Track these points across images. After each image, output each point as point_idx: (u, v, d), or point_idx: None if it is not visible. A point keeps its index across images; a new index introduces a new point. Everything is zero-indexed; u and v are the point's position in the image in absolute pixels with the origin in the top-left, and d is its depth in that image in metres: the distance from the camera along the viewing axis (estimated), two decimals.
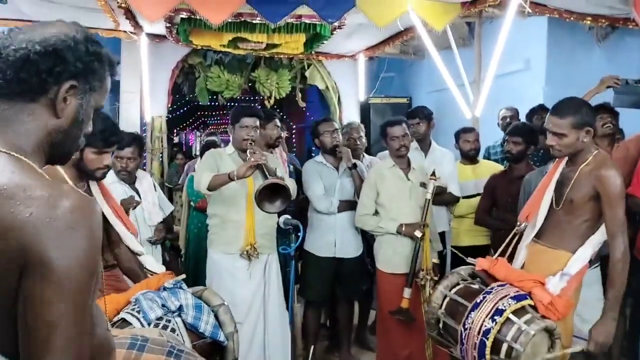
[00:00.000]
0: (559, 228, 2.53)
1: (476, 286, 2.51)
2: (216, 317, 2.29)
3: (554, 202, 2.58)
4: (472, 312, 2.30)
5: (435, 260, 3.48)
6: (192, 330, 2.20)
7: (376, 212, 3.53)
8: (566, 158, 2.62)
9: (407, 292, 3.30)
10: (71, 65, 1.04)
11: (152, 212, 3.61)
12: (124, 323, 2.10)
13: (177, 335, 2.10)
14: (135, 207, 3.28)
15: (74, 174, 2.35)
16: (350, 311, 4.02)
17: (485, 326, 2.24)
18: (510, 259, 2.67)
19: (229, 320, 2.31)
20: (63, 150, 1.12)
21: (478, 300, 2.33)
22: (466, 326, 2.31)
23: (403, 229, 3.37)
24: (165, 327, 2.08)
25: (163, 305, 2.15)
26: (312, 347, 3.55)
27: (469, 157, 4.26)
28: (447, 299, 2.50)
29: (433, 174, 3.40)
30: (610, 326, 2.32)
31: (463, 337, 2.32)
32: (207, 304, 2.31)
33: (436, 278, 3.44)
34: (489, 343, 2.21)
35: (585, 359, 3.08)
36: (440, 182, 3.48)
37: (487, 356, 2.22)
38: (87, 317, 0.95)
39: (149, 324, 2.06)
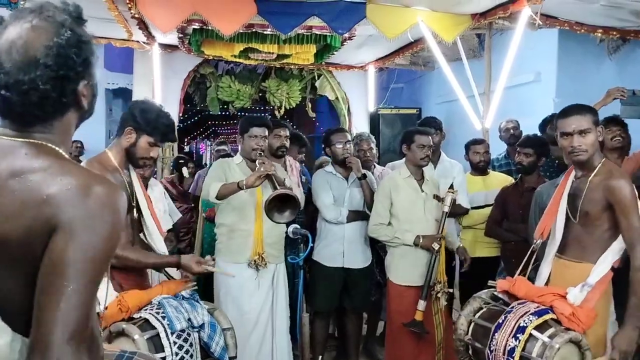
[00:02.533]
0: (580, 241, 2.50)
1: (498, 308, 2.50)
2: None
3: (569, 214, 2.55)
4: (496, 333, 2.30)
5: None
6: (204, 347, 2.24)
7: (389, 223, 3.52)
8: (574, 171, 2.61)
9: (421, 305, 3.28)
10: (73, 74, 1.08)
11: (163, 219, 3.64)
12: (146, 324, 2.13)
13: (193, 350, 2.14)
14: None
15: (121, 159, 2.41)
16: (359, 322, 4.01)
17: (510, 345, 2.23)
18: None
19: (233, 346, 2.39)
20: (84, 117, 1.21)
21: (500, 321, 2.32)
22: (492, 348, 2.30)
23: (421, 240, 3.36)
24: (185, 340, 2.14)
25: (189, 319, 2.20)
26: (320, 357, 3.55)
27: (479, 169, 4.25)
28: (472, 325, 2.49)
29: (451, 187, 3.42)
30: (633, 334, 2.29)
31: (490, 359, 2.31)
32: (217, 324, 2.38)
33: (451, 290, 3.43)
34: None
35: None
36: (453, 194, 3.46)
37: None
38: (95, 292, 1.03)
39: (172, 333, 2.09)
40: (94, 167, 2.31)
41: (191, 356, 2.14)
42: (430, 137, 3.54)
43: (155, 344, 2.09)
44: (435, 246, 3.31)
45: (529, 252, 2.69)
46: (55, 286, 0.97)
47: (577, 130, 2.42)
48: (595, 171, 2.45)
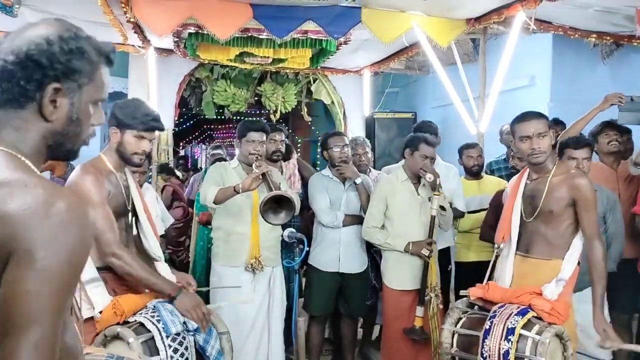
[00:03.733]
0: (545, 239, 2.62)
1: (478, 315, 2.54)
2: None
3: (523, 215, 2.68)
4: (486, 339, 2.33)
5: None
6: (199, 351, 2.23)
7: (383, 226, 3.52)
8: (526, 173, 2.75)
9: (419, 311, 3.29)
10: (48, 69, 1.02)
11: (156, 224, 3.63)
12: (141, 327, 2.13)
13: (188, 354, 2.13)
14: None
15: (116, 162, 2.41)
16: (354, 326, 4.00)
17: (503, 348, 2.27)
18: None
19: (229, 350, 2.38)
20: (64, 149, 1.11)
21: (487, 327, 2.36)
22: (484, 355, 2.33)
23: (410, 247, 3.36)
24: (180, 344, 2.12)
25: (184, 323, 2.19)
26: None
27: (473, 173, 4.26)
28: (456, 336, 2.52)
29: (436, 189, 3.37)
30: (602, 320, 2.53)
31: None
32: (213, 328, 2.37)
33: (441, 295, 3.43)
34: None
35: None
36: (444, 197, 3.46)
37: None
38: (62, 317, 0.95)
39: (167, 337, 2.08)
40: (89, 170, 2.30)
41: (186, 359, 2.13)
42: (434, 149, 3.54)
43: (150, 347, 2.09)
44: (425, 252, 3.31)
45: (493, 257, 2.80)
46: (16, 326, 0.88)
47: (536, 133, 2.59)
48: (553, 172, 2.62)
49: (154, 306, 2.21)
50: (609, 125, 3.59)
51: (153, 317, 2.16)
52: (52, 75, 1.03)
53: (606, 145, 3.57)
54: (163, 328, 2.11)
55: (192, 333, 2.21)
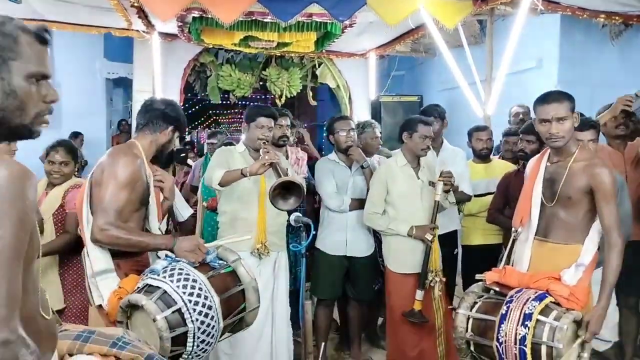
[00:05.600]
0: (564, 224, 2.56)
1: (493, 299, 2.51)
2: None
3: (544, 199, 2.62)
4: (502, 324, 2.30)
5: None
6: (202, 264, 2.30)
7: (384, 211, 3.52)
8: (547, 154, 2.66)
9: (419, 294, 3.30)
10: None
11: (177, 213, 3.67)
12: (150, 287, 2.14)
13: (186, 274, 2.15)
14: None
15: (150, 153, 2.53)
16: (361, 309, 4.02)
17: (520, 334, 2.24)
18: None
19: (255, 298, 2.37)
20: (12, 124, 1.16)
21: (503, 312, 2.33)
22: (500, 340, 2.30)
23: (414, 232, 3.37)
24: (172, 270, 2.16)
25: (166, 256, 2.26)
26: (323, 344, 3.57)
27: (481, 156, 4.24)
28: (471, 320, 2.49)
29: (441, 174, 3.35)
30: (603, 313, 2.36)
31: (501, 351, 2.31)
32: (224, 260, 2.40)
33: (444, 279, 3.43)
34: (528, 350, 2.22)
35: (598, 359, 3.07)
36: (451, 181, 3.43)
37: None
38: (13, 279, 1.02)
39: (177, 285, 2.10)
40: (128, 152, 2.41)
41: (200, 289, 2.14)
42: (431, 128, 3.53)
43: (165, 300, 2.07)
44: (428, 236, 3.31)
45: (510, 241, 2.74)
46: None
47: (555, 117, 2.49)
48: (574, 157, 2.54)
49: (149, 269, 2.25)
50: None
51: (146, 274, 2.21)
52: None
53: (614, 128, 3.54)
54: (150, 272, 2.18)
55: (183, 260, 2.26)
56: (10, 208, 1.01)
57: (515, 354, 2.25)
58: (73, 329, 1.54)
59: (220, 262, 2.37)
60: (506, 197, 3.86)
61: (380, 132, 4.16)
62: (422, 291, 3.30)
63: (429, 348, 3.43)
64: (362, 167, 3.70)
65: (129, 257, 2.41)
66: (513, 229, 2.74)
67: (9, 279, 1.01)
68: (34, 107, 1.18)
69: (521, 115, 4.71)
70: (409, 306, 3.33)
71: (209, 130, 6.73)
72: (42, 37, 1.20)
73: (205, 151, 5.32)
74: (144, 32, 5.12)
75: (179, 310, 2.06)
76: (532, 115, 2.73)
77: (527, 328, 2.23)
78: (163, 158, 2.64)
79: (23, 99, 1.16)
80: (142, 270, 2.30)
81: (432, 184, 3.45)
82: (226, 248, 2.46)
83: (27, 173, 1.08)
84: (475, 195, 4.03)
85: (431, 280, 3.33)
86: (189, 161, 6.13)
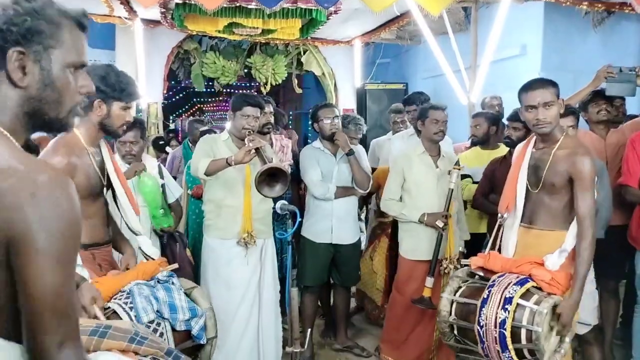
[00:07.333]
0: (549, 210, 2.60)
1: (477, 284, 2.54)
2: None
3: (529, 185, 2.65)
4: (483, 308, 2.33)
5: (461, 249, 3.52)
6: (181, 331, 2.17)
7: (401, 198, 3.54)
8: (533, 140, 2.69)
9: (429, 282, 3.31)
10: (7, 33, 1.01)
11: (169, 193, 3.67)
12: (114, 315, 2.04)
13: (164, 339, 2.05)
14: (140, 173, 3.33)
15: (92, 137, 2.30)
16: (347, 296, 4.06)
17: (500, 317, 2.27)
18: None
19: (212, 326, 2.29)
20: (47, 118, 1.09)
21: (485, 296, 2.36)
22: (481, 323, 2.33)
23: (425, 218, 3.39)
24: (155, 331, 2.05)
25: (157, 311, 2.10)
26: (309, 330, 3.59)
27: (473, 142, 4.25)
28: (454, 304, 2.52)
29: (457, 163, 3.41)
30: (575, 305, 2.39)
31: (481, 334, 2.34)
32: (196, 304, 2.28)
33: (459, 266, 3.46)
34: (507, 333, 2.25)
35: (580, 343, 3.13)
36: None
37: (510, 346, 2.26)
38: (73, 287, 0.98)
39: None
40: (58, 150, 2.18)
41: None
42: (444, 113, 3.53)
43: None
44: (440, 224, 3.33)
45: (496, 227, 2.76)
46: (33, 311, 0.92)
47: (541, 103, 2.52)
48: (559, 144, 2.57)
49: (130, 290, 2.12)
50: (598, 94, 3.60)
51: (126, 304, 2.08)
52: (12, 39, 1.01)
53: (595, 114, 3.58)
54: (135, 316, 2.03)
55: (167, 319, 2.12)
56: (61, 211, 0.94)
57: (495, 337, 2.28)
58: (86, 324, 1.48)
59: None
60: (492, 183, 3.89)
61: (365, 123, 4.15)
62: (432, 278, 3.32)
63: (426, 333, 3.48)
64: (347, 154, 3.70)
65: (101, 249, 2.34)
66: (499, 214, 2.77)
67: (70, 290, 0.96)
68: (70, 99, 1.11)
69: (496, 107, 4.72)
70: (418, 293, 3.36)
71: (188, 120, 6.67)
72: (82, 24, 1.13)
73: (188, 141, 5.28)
74: (126, 18, 5.05)
75: None
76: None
77: (507, 312, 2.26)
78: (117, 135, 2.39)
79: (61, 90, 1.08)
80: (114, 265, 2.26)
81: (450, 172, 3.47)
82: (202, 292, 2.35)
83: (67, 177, 1.00)
84: (475, 183, 4.02)
85: (445, 267, 3.36)
86: (168, 149, 6.09)
